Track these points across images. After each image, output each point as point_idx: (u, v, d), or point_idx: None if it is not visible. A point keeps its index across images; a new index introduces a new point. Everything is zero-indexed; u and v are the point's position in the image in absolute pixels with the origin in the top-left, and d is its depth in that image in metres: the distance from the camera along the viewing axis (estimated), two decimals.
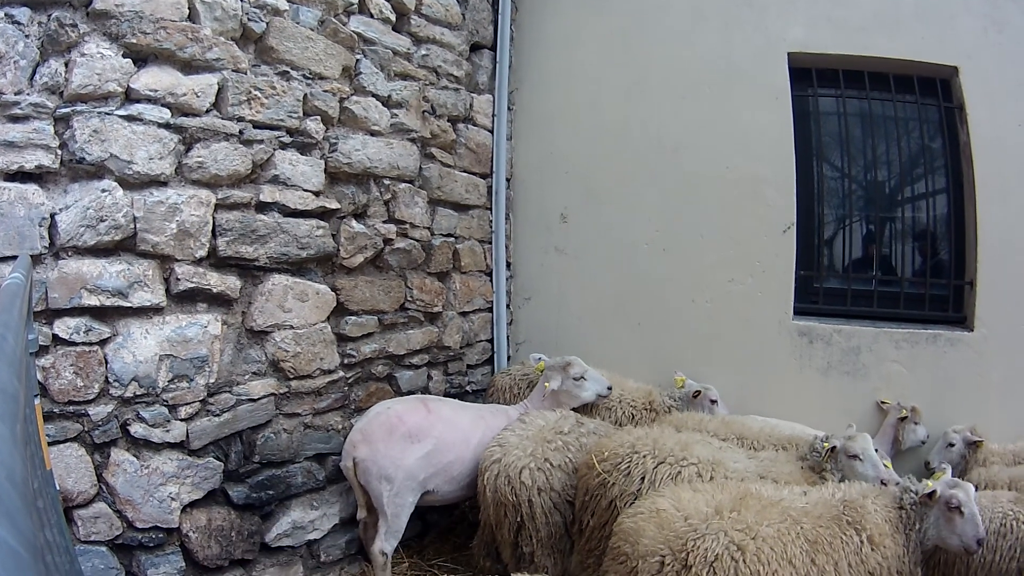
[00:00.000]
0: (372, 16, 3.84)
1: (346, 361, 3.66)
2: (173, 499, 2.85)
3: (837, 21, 4.84)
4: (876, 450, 3.52)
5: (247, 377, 3.13)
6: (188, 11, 2.84)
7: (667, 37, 5.01)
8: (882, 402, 4.63)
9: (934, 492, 2.81)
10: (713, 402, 4.30)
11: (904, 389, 4.69)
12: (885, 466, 3.40)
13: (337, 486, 3.64)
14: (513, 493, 3.32)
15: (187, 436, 2.90)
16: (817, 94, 5.01)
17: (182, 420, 2.88)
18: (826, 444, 3.33)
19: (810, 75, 4.98)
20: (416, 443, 3.46)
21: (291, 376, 3.32)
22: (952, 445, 4.37)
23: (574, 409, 3.95)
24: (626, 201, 5.03)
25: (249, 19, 3.05)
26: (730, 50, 4.91)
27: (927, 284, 5.01)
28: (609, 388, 4.06)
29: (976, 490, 3.15)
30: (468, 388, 4.84)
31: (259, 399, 3.18)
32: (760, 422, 4.16)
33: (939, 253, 5.22)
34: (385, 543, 3.41)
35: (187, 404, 2.88)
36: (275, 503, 3.35)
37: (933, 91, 4.93)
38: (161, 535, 2.83)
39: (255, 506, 3.24)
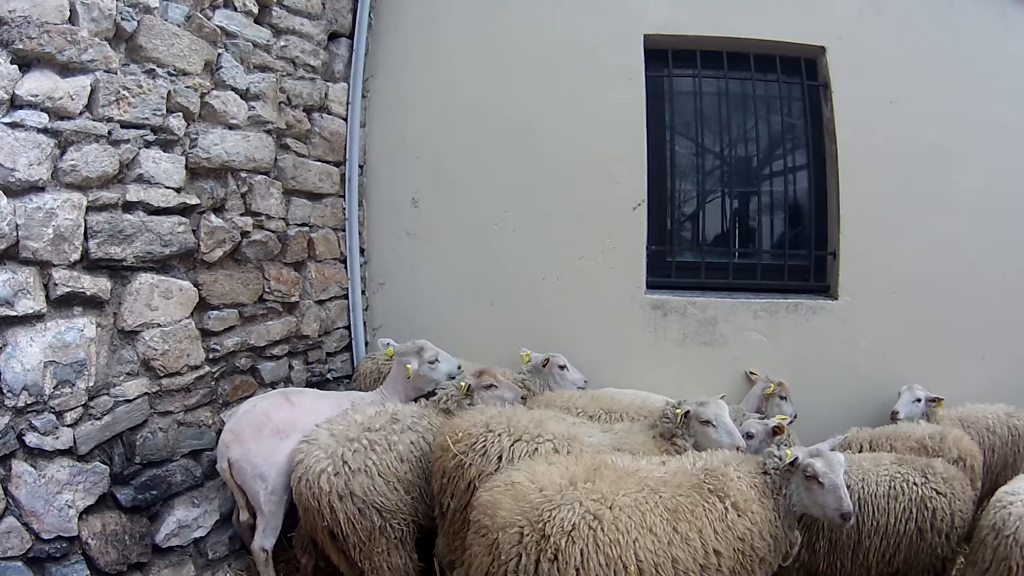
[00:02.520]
0: (236, 9, 4.17)
1: (211, 356, 4.00)
2: (70, 507, 3.09)
3: (701, 3, 5.57)
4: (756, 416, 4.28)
5: (122, 378, 3.41)
6: (69, 13, 3.06)
7: (525, 20, 5.59)
8: (751, 372, 5.46)
9: (796, 459, 3.19)
10: (562, 367, 4.94)
11: (765, 357, 5.51)
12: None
13: (214, 482, 3.98)
14: (315, 499, 3.53)
15: (75, 442, 3.14)
16: (672, 74, 5.77)
17: (68, 426, 3.11)
18: (678, 410, 3.76)
19: (666, 56, 5.71)
20: (285, 438, 3.83)
21: (161, 374, 3.62)
22: (919, 400, 5.13)
23: (429, 393, 4.42)
24: (477, 183, 5.61)
25: (122, 18, 3.29)
26: (587, 32, 5.53)
27: (786, 255, 5.86)
28: (459, 367, 4.53)
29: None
30: (329, 376, 5.31)
31: (134, 399, 3.47)
32: (630, 395, 4.80)
33: (800, 225, 6.02)
34: (265, 540, 3.83)
35: (71, 409, 3.12)
36: (160, 503, 3.67)
37: (797, 70, 5.77)
38: (64, 544, 3.07)
39: (142, 508, 3.54)
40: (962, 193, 5.77)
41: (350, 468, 3.56)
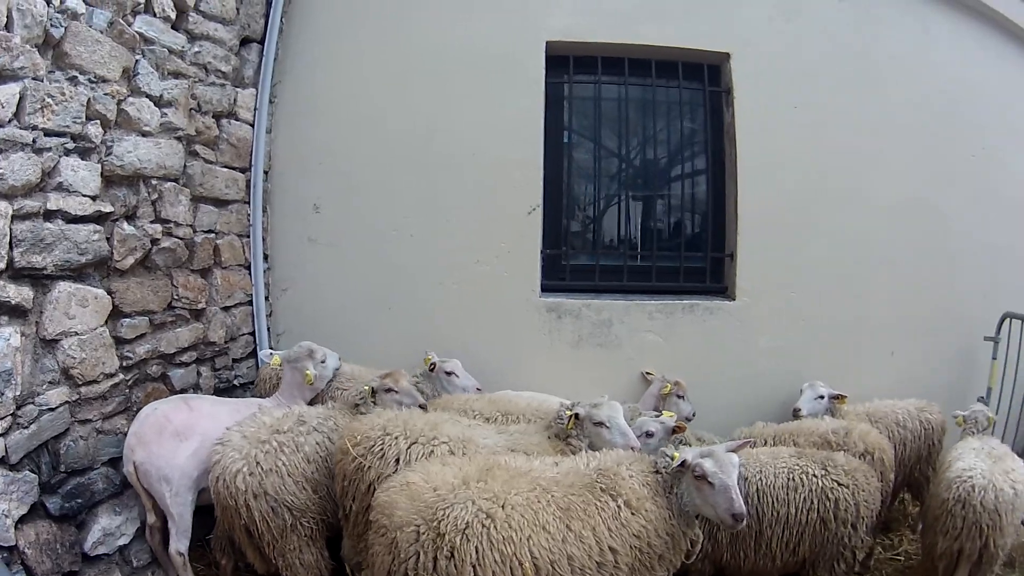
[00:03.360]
0: (155, 15, 4.53)
1: (124, 363, 4.37)
2: (6, 516, 3.38)
3: (606, 10, 6.20)
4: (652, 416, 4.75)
5: (45, 387, 3.71)
6: (6, 20, 3.32)
7: (432, 27, 6.13)
8: (647, 373, 6.06)
9: (684, 460, 3.48)
10: (449, 373, 5.41)
11: (662, 357, 6.14)
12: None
13: (131, 490, 4.33)
14: (232, 498, 3.94)
15: (6, 451, 3.43)
16: (573, 80, 6.43)
17: (0, 435, 3.40)
18: (569, 412, 4.17)
19: (568, 62, 6.34)
20: (184, 441, 4.25)
21: (80, 382, 3.95)
22: (821, 397, 5.70)
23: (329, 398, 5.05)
24: (378, 189, 6.12)
25: (52, 25, 3.58)
26: (490, 39, 6.11)
27: (682, 257, 6.56)
28: (340, 359, 5.28)
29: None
30: (236, 382, 5.80)
31: (57, 408, 3.78)
32: (527, 397, 5.33)
33: (698, 228, 6.61)
34: (179, 543, 4.27)
35: (1, 419, 3.39)
36: (85, 512, 4.05)
37: (701, 76, 6.46)
38: (5, 554, 3.34)
39: (69, 516, 3.90)
40: (872, 193, 6.54)
41: (262, 468, 3.98)
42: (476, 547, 3.05)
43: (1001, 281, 7.01)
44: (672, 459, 3.55)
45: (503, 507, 3.18)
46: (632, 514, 3.38)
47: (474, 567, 3.03)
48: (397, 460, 3.82)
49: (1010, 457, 4.60)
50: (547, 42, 6.14)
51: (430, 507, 3.15)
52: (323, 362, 5.11)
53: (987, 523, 4.11)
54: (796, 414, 5.67)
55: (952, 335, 6.88)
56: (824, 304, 6.48)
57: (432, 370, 5.40)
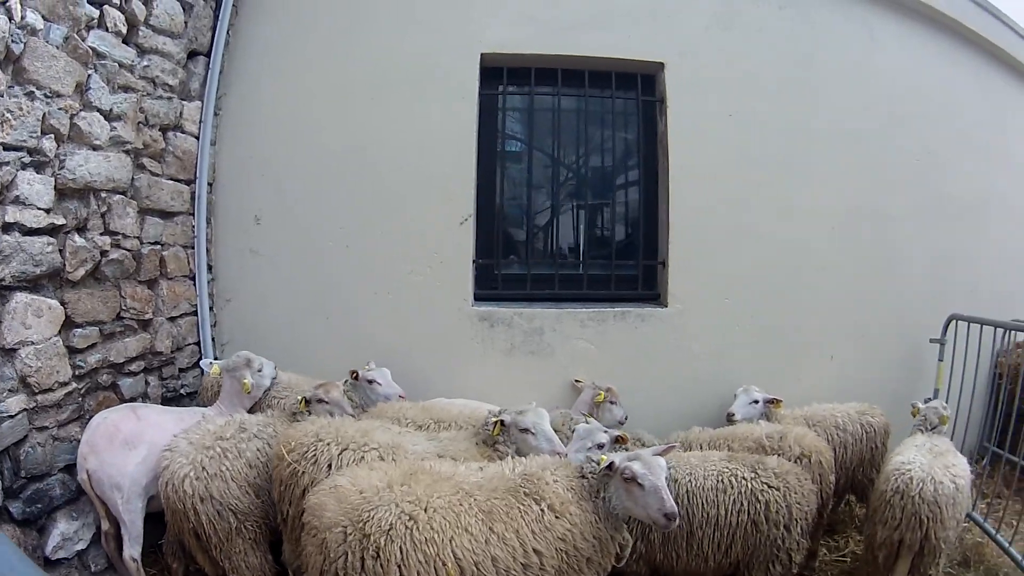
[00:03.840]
0: (107, 30, 4.84)
1: (77, 372, 4.69)
2: None
3: (542, 21, 6.62)
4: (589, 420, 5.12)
5: (4, 394, 4.01)
6: None
7: (372, 41, 6.53)
8: (576, 380, 6.43)
9: (612, 464, 3.77)
10: (370, 382, 5.72)
11: (595, 364, 6.52)
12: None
13: (87, 496, 4.65)
14: (180, 501, 4.31)
15: None
16: (507, 92, 6.92)
17: None
18: (495, 419, 4.53)
19: (502, 74, 6.78)
20: (133, 449, 4.62)
21: (37, 390, 4.27)
22: (755, 402, 6.05)
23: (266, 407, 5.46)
24: (316, 201, 6.51)
25: (12, 40, 3.83)
26: (427, 52, 6.51)
27: (613, 265, 7.01)
28: (276, 368, 5.65)
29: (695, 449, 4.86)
30: (182, 391, 6.14)
31: (16, 415, 4.09)
32: (460, 404, 5.69)
33: (631, 236, 7.21)
34: (132, 549, 4.59)
35: None
36: (45, 517, 4.40)
37: (633, 86, 6.93)
38: None
39: (31, 520, 4.26)
40: (811, 200, 7.03)
41: (208, 473, 4.36)
42: (400, 547, 3.36)
43: (947, 284, 7.61)
44: (598, 463, 3.86)
45: (425, 510, 3.49)
46: (556, 517, 3.67)
47: (399, 567, 3.33)
48: (329, 465, 4.17)
49: (952, 454, 4.96)
50: (482, 54, 6.55)
51: (356, 509, 3.47)
52: (260, 371, 5.47)
53: (927, 514, 4.45)
54: (729, 418, 6.03)
55: (897, 338, 7.38)
56: (761, 310, 6.92)
57: (356, 379, 5.72)
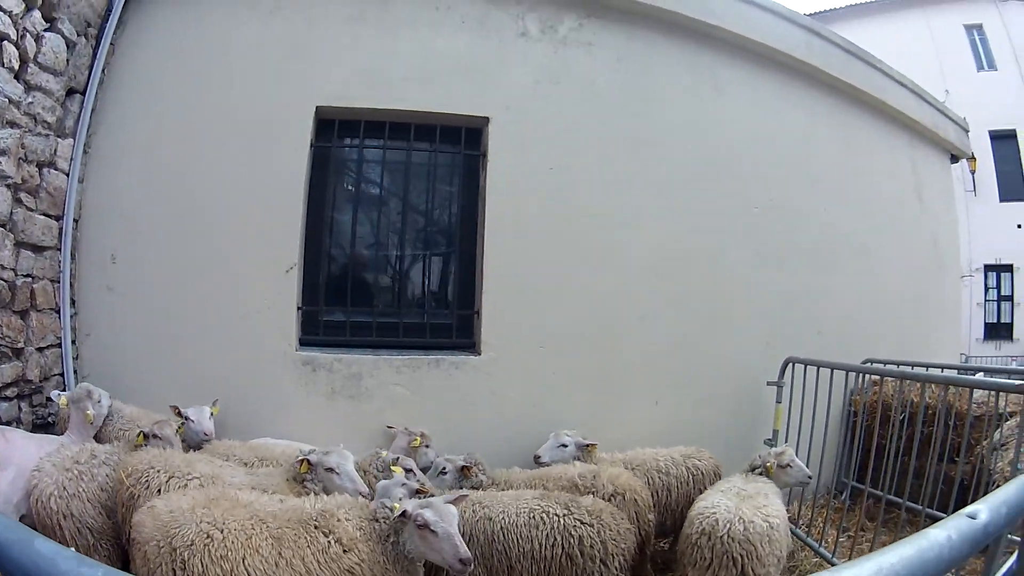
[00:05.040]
0: (3, 65, 5.47)
1: None
2: None
3: (375, 75, 7.62)
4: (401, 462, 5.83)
5: None
6: None
7: (224, 89, 7.48)
8: (388, 427, 7.24)
9: (405, 512, 4.38)
10: (186, 419, 6.52)
11: (410, 410, 7.34)
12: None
13: None
14: (48, 518, 4.98)
15: None
16: (338, 144, 7.85)
17: None
18: (301, 457, 5.35)
19: (333, 126, 7.75)
20: (3, 469, 5.28)
21: None
22: (565, 446, 6.81)
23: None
24: (165, 243, 7.34)
25: None
26: (268, 102, 7.46)
27: (427, 314, 8.01)
28: (111, 397, 6.44)
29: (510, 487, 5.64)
30: (50, 419, 6.86)
31: None
32: (284, 444, 6.59)
33: (447, 286, 8.13)
34: None
35: None
36: None
37: (458, 139, 7.92)
38: None
39: None
40: (635, 250, 8.15)
41: (68, 492, 5.12)
42: (200, 560, 4.12)
43: (785, 327, 8.97)
44: (392, 510, 4.51)
45: (221, 530, 4.26)
46: (344, 551, 4.36)
47: None
48: (159, 490, 5.00)
49: (764, 496, 5.66)
50: (317, 107, 7.52)
51: (166, 526, 4.27)
52: (99, 402, 6.23)
53: (739, 552, 5.06)
54: (537, 460, 6.87)
55: (734, 382, 8.66)
56: (580, 357, 7.95)
57: (178, 414, 6.51)
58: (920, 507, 6.59)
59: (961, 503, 4.66)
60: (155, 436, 5.94)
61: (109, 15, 7.27)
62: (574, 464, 6.60)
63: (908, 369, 8.62)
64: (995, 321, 36.21)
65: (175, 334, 7.35)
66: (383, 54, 7.77)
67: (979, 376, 9.60)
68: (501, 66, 8.07)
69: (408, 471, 5.83)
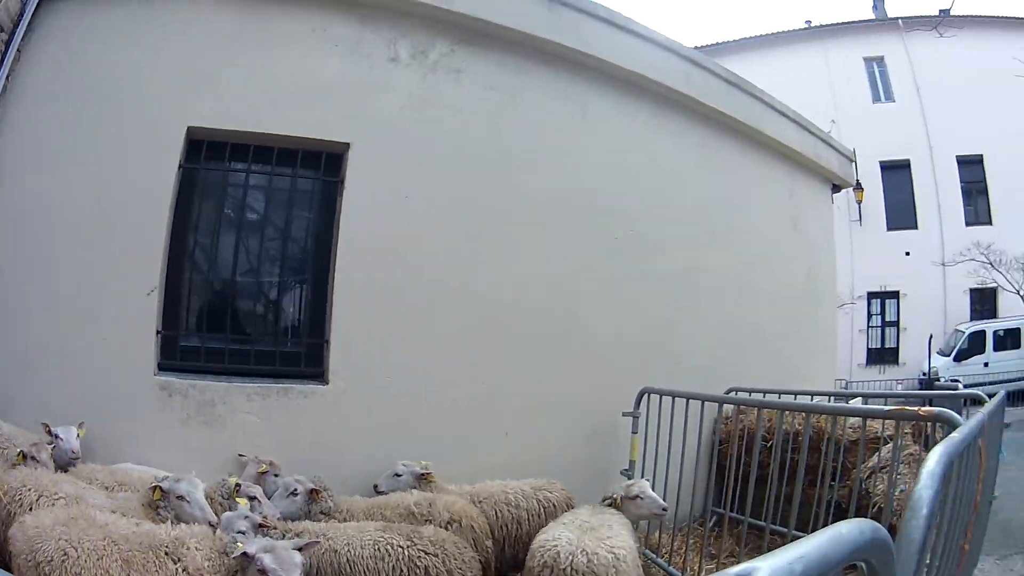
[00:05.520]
0: None
1: None
2: None
3: (246, 98, 7.84)
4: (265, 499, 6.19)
5: None
6: None
7: (111, 102, 7.64)
8: (240, 455, 7.43)
9: (246, 552, 4.66)
10: (56, 436, 6.73)
11: (261, 438, 7.53)
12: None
13: None
14: None
15: None
16: (205, 166, 8.03)
17: None
18: (154, 484, 5.64)
19: (215, 148, 7.95)
20: None
21: None
22: (399, 475, 7.11)
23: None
24: (46, 259, 7.47)
25: None
26: (143, 122, 7.63)
27: (277, 341, 8.20)
28: None
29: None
30: None
31: None
32: (141, 470, 6.82)
33: (300, 314, 8.38)
34: None
35: None
36: None
37: (317, 165, 8.19)
38: None
39: None
40: (488, 281, 8.58)
41: None
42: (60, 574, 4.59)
43: (644, 357, 9.49)
44: (237, 547, 4.77)
45: (76, 548, 4.69)
46: None
47: None
48: (31, 507, 5.45)
49: (609, 527, 5.91)
50: (189, 127, 7.68)
51: (31, 540, 4.77)
52: None
53: None
54: (376, 490, 7.21)
55: (590, 412, 9.09)
56: (429, 388, 8.23)
57: (48, 432, 6.72)
58: (785, 530, 6.93)
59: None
60: (31, 456, 6.28)
61: (20, 20, 7.39)
62: (411, 492, 6.93)
63: (761, 397, 9.36)
64: (879, 347, 39.08)
65: (46, 352, 7.43)
66: (256, 75, 8.00)
67: (855, 402, 10.35)
68: (367, 91, 8.35)
69: (253, 499, 6.13)
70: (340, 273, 8.05)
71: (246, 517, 5.64)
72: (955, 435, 3.59)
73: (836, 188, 15.18)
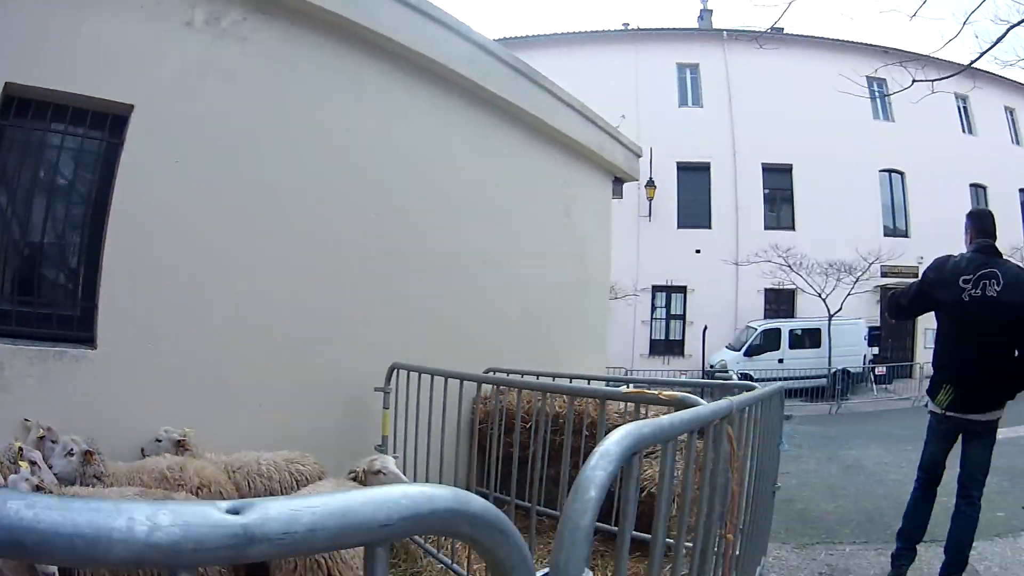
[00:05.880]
0: None
1: None
2: None
3: (52, 56, 7.48)
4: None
5: None
6: None
7: None
8: (25, 419, 7.09)
9: None
10: None
11: (41, 403, 7.25)
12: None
13: None
14: None
15: None
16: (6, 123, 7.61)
17: None
18: None
19: (17, 104, 7.54)
20: None
21: None
22: (160, 441, 7.18)
23: None
24: None
25: None
26: None
27: (55, 305, 8.03)
28: None
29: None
30: None
31: None
32: None
33: (78, 278, 8.20)
34: None
35: None
36: None
37: (103, 125, 7.94)
38: None
39: None
40: (256, 252, 8.76)
41: None
42: None
43: (401, 335, 9.86)
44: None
45: None
46: None
47: None
48: None
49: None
50: (6, 83, 7.32)
51: None
52: None
53: (324, 555, 5.48)
54: (143, 454, 7.35)
55: (346, 388, 9.40)
56: (192, 357, 8.25)
57: None
58: (555, 511, 7.50)
59: None
60: None
61: None
62: (164, 457, 6.95)
63: (505, 376, 9.70)
64: (663, 338, 41.49)
65: None
66: (65, 34, 7.61)
67: (624, 388, 10.07)
68: (157, 54, 8.11)
69: (33, 463, 6.07)
70: (111, 238, 7.89)
71: (27, 480, 5.72)
72: (649, 419, 3.34)
73: (620, 181, 15.96)
